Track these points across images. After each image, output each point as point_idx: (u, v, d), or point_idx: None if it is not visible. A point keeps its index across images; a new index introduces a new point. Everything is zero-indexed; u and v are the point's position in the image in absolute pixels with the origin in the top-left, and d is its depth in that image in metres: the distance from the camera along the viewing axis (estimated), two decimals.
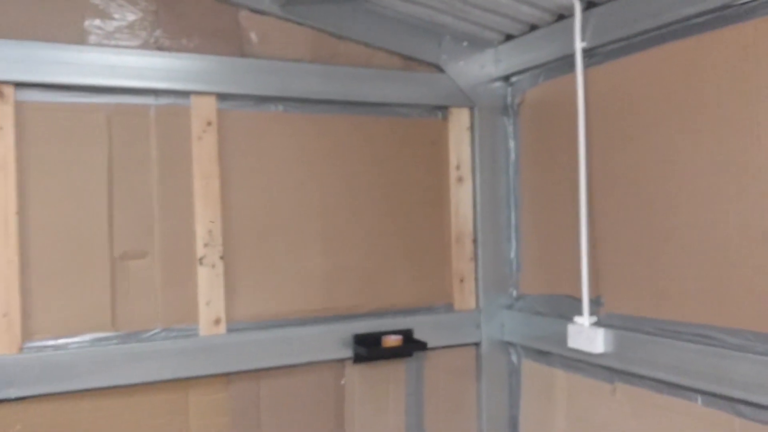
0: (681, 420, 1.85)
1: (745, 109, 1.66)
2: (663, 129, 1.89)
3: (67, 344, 1.93)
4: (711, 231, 1.76)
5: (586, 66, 2.12)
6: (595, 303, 2.12)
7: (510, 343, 2.51)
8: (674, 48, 1.86)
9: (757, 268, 1.64)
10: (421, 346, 2.32)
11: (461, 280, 2.47)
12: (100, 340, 1.96)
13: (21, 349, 1.87)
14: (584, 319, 2.10)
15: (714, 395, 1.75)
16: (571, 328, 2.13)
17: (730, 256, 1.71)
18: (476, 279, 2.49)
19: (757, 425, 1.65)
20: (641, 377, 1.96)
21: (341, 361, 2.27)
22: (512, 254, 2.52)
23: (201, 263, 2.07)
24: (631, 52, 2.00)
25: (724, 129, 1.72)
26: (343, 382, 2.28)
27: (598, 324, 2.08)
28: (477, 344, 2.48)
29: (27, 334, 1.88)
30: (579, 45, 2.09)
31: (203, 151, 2.08)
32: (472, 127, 2.48)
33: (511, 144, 2.51)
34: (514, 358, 2.51)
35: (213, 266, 2.08)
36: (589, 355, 2.09)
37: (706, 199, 1.77)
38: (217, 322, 2.09)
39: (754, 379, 1.62)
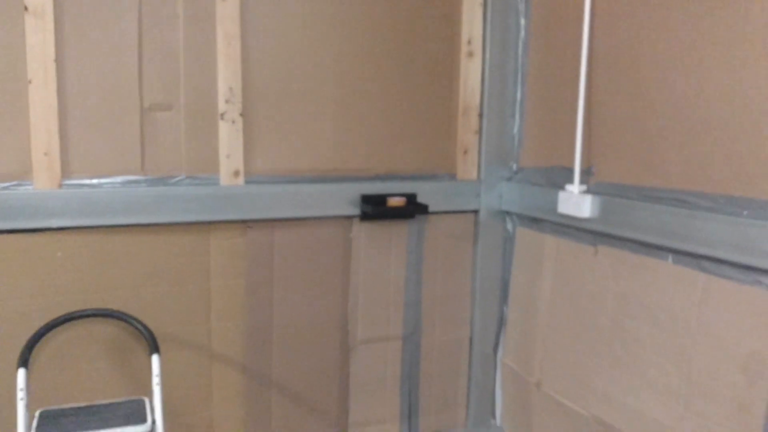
0: (653, 277, 2.04)
1: None
2: (660, 7, 1.98)
3: (102, 184, 2.14)
4: (696, 102, 1.88)
5: None
6: (586, 173, 2.27)
7: (507, 212, 2.69)
8: None
9: (732, 137, 1.78)
10: (423, 208, 2.50)
11: (465, 152, 2.63)
12: (130, 182, 2.17)
13: (60, 186, 2.08)
14: (574, 187, 2.26)
15: (683, 253, 1.92)
16: (561, 195, 2.30)
17: (710, 127, 1.84)
18: (479, 151, 2.65)
19: (717, 279, 1.83)
20: (621, 239, 2.14)
21: (349, 218, 2.47)
22: (515, 129, 2.66)
23: (222, 118, 2.24)
24: None
25: (715, 6, 1.81)
26: (350, 236, 2.49)
27: (587, 192, 2.25)
28: (476, 212, 2.67)
29: (66, 172, 2.09)
30: None
31: (226, 11, 2.20)
32: (485, 3, 2.57)
33: (522, 21, 2.60)
34: (509, 226, 2.71)
35: (233, 122, 2.25)
36: (577, 220, 2.27)
37: (694, 73, 1.88)
38: (236, 173, 2.28)
39: (718, 236, 1.78)
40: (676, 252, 1.96)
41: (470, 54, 2.58)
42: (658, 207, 1.98)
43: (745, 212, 1.73)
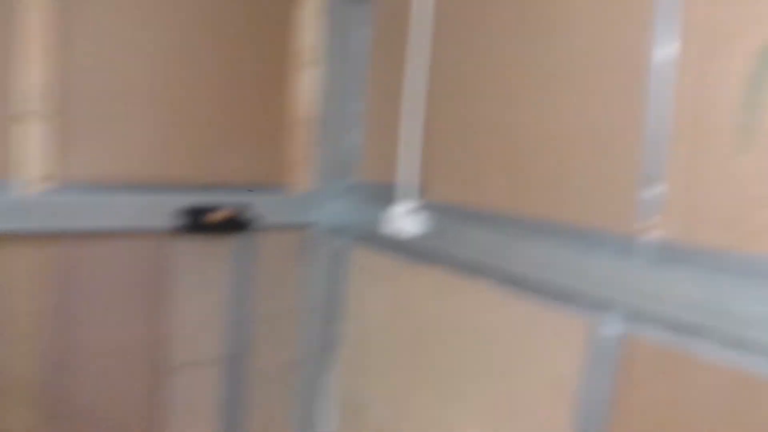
0: (474, 299, 2.00)
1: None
2: (496, 34, 1.96)
3: None
4: (513, 127, 1.86)
5: None
6: (418, 191, 2.21)
7: (341, 228, 2.59)
8: None
9: (546, 163, 1.76)
10: (249, 223, 2.35)
11: (299, 164, 2.51)
12: None
13: None
14: (402, 206, 2.19)
15: (504, 275, 1.89)
16: (390, 213, 2.23)
17: (527, 152, 1.83)
18: (315, 164, 2.53)
19: (533, 302, 1.81)
20: (446, 259, 2.09)
21: (166, 231, 2.27)
22: (353, 143, 2.56)
23: (15, 120, 1.99)
24: None
25: (535, 37, 1.80)
26: (166, 252, 2.29)
27: (415, 211, 2.18)
28: (308, 226, 2.55)
29: None
30: None
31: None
32: (324, 11, 2.46)
33: (365, 32, 2.51)
34: (343, 242, 2.60)
35: (29, 123, 2.00)
36: (405, 238, 2.20)
37: (513, 97, 1.87)
38: (32, 180, 2.02)
39: (535, 260, 1.78)
40: (497, 274, 1.93)
41: (307, 62, 2.46)
42: (482, 229, 1.95)
43: (555, 237, 1.72)
